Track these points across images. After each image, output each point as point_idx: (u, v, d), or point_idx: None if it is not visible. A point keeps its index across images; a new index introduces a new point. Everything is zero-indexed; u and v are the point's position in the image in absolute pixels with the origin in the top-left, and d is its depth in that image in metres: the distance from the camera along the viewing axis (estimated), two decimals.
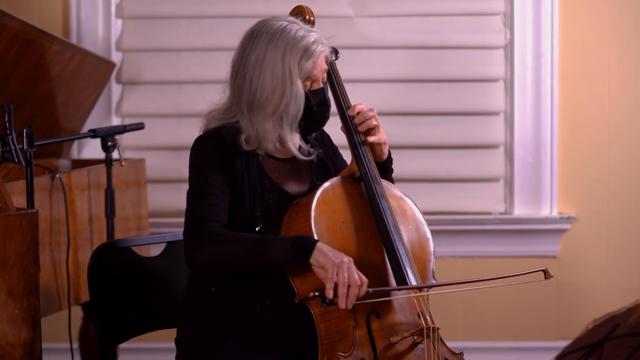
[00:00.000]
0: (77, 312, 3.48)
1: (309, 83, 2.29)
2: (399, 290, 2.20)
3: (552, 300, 4.05)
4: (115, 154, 3.26)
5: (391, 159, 2.46)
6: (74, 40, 3.99)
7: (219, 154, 2.28)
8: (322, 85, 2.32)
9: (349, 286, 2.08)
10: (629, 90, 4.04)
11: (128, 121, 3.97)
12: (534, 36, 4.02)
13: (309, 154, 2.37)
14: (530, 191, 4.05)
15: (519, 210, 4.05)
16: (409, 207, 2.37)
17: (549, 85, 4.02)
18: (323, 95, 2.32)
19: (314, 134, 2.46)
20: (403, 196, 2.39)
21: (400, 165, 4.04)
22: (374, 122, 2.34)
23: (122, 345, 3.17)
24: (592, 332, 1.57)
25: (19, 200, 2.68)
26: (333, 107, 2.39)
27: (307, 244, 2.14)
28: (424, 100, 4.05)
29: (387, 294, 2.19)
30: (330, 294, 2.08)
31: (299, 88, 2.26)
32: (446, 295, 3.94)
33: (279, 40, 2.27)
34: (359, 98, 4.02)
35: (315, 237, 2.18)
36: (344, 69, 4.04)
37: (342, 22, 4.04)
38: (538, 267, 2.21)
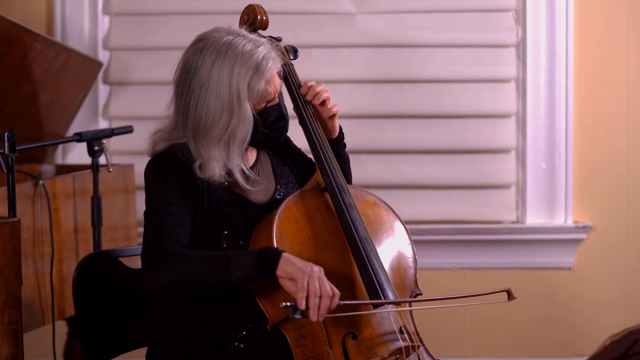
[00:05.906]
0: (62, 327, 3.48)
1: (264, 103, 2.26)
2: (372, 304, 2.17)
3: (567, 315, 4.05)
4: (102, 159, 3.26)
5: (342, 132, 2.44)
6: (58, 38, 3.99)
7: (176, 172, 2.25)
8: (277, 101, 2.29)
9: (320, 297, 2.04)
10: None
11: (116, 124, 3.97)
12: (547, 34, 4.02)
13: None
14: (543, 199, 4.05)
15: (532, 219, 4.05)
16: (384, 214, 2.36)
17: (563, 86, 4.03)
18: (280, 111, 2.29)
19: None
20: (378, 201, 2.37)
21: (406, 171, 4.07)
22: (326, 94, 2.35)
23: None
24: (610, 348, 1.57)
25: None
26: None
27: (272, 256, 2.09)
28: (430, 102, 4.05)
29: (357, 308, 2.16)
30: (302, 304, 2.03)
31: (247, 112, 2.22)
32: (453, 310, 3.94)
33: (225, 58, 2.22)
34: (360, 98, 4.08)
35: None
36: (346, 68, 4.11)
37: (343, 19, 4.05)
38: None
